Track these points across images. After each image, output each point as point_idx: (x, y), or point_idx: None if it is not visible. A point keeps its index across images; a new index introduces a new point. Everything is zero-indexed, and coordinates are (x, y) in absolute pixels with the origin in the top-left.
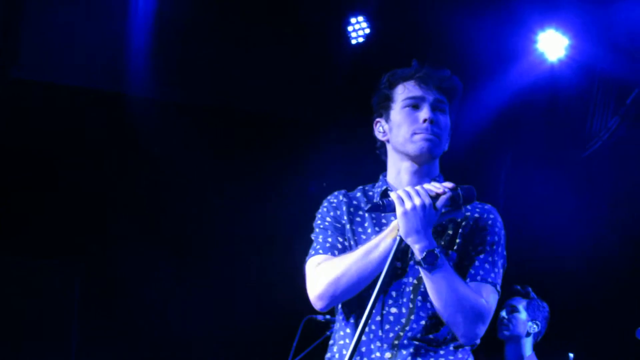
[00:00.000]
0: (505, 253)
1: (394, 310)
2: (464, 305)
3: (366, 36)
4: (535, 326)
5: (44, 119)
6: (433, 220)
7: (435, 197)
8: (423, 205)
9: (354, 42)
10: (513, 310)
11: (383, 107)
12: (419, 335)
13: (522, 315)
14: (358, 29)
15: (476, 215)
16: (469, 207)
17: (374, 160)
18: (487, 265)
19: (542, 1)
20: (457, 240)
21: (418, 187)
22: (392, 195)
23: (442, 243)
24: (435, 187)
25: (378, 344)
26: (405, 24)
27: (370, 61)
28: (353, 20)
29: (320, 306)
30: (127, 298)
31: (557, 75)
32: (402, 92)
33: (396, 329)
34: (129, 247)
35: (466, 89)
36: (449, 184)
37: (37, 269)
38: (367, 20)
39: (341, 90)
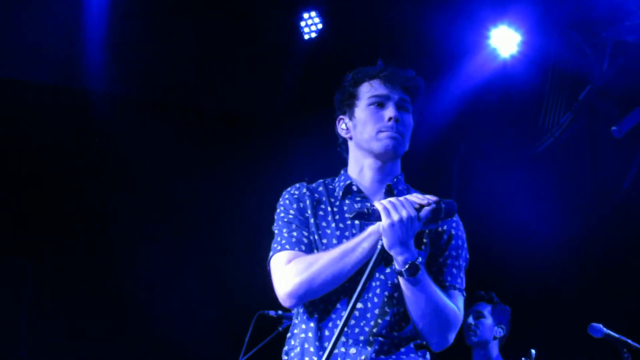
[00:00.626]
0: (468, 255)
1: (359, 305)
2: (439, 315)
3: (319, 32)
4: (501, 330)
5: (6, 116)
6: (415, 231)
7: (418, 209)
8: (410, 218)
9: (306, 37)
10: (479, 316)
11: (347, 105)
12: (383, 332)
13: (488, 320)
14: (311, 24)
15: (453, 228)
16: (453, 222)
17: (332, 155)
18: (454, 271)
19: None
20: (424, 243)
21: (402, 199)
22: (378, 205)
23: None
24: (419, 198)
25: (343, 339)
26: (358, 19)
27: (324, 57)
28: (306, 15)
29: (290, 304)
30: (80, 297)
31: (509, 71)
32: (368, 91)
33: (361, 324)
34: (82, 244)
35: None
36: (432, 197)
37: None
38: (319, 15)
39: (296, 86)
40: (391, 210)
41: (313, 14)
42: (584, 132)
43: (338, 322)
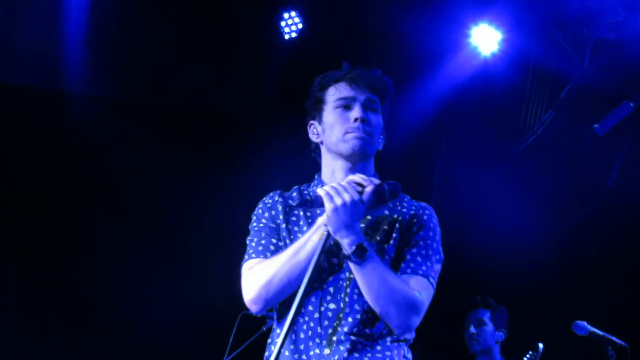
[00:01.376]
0: (440, 249)
1: (332, 306)
2: (395, 297)
3: (299, 31)
4: (501, 333)
5: None
6: (360, 214)
7: (361, 192)
8: (353, 201)
9: (287, 37)
10: (480, 323)
11: (316, 110)
12: (355, 330)
13: (489, 327)
14: (291, 24)
15: (412, 212)
16: (405, 204)
17: (312, 158)
18: (419, 259)
19: None
20: (393, 236)
21: (344, 182)
22: (320, 192)
23: (378, 239)
24: (361, 178)
25: (317, 340)
26: (339, 18)
27: (304, 56)
28: (286, 15)
29: (256, 310)
30: (64, 297)
31: (490, 69)
32: (334, 94)
33: (334, 324)
34: (66, 245)
35: (400, 84)
36: (374, 179)
37: None
38: (299, 15)
39: (276, 86)
40: (333, 195)
41: (293, 13)
42: (565, 130)
43: (312, 324)
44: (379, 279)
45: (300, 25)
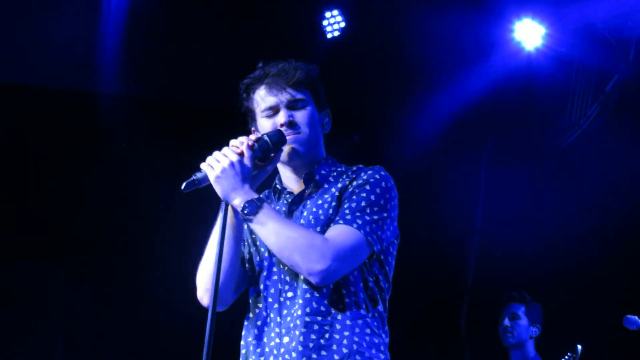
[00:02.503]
0: (389, 212)
1: (290, 294)
2: (296, 243)
3: (342, 30)
4: (536, 329)
5: (21, 121)
6: (248, 174)
7: (241, 153)
8: (232, 164)
9: (329, 36)
10: (514, 317)
11: (251, 119)
12: (308, 310)
13: (523, 321)
14: (333, 22)
15: (361, 175)
16: (354, 174)
17: (348, 155)
18: (347, 211)
19: None
20: (331, 202)
21: (225, 148)
22: (203, 166)
23: (319, 210)
24: (240, 142)
25: (277, 329)
26: (381, 16)
27: (347, 55)
28: (328, 14)
29: (207, 303)
30: (112, 298)
31: (534, 64)
32: (259, 103)
33: (291, 311)
34: (107, 247)
35: (445, 80)
36: (252, 136)
37: (22, 271)
38: (342, 14)
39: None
40: (213, 163)
41: (335, 12)
42: (611, 123)
43: (272, 315)
44: (277, 229)
45: (342, 24)
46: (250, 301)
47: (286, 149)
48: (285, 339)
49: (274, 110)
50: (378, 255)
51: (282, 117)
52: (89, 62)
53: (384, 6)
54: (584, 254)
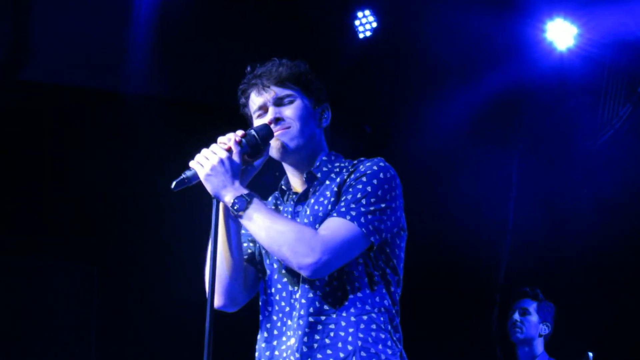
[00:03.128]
0: (388, 202)
1: (297, 296)
2: (286, 237)
3: (373, 30)
4: (546, 327)
5: (56, 121)
6: (238, 171)
7: (229, 149)
8: (221, 161)
9: (361, 36)
10: (525, 312)
11: (250, 123)
12: (310, 310)
13: (534, 317)
14: (365, 22)
15: (359, 167)
16: (353, 167)
17: (385, 154)
18: (342, 204)
19: None
20: (330, 197)
21: (213, 145)
22: (192, 164)
23: (318, 206)
24: (227, 138)
25: (287, 332)
26: (413, 16)
27: (378, 55)
28: (360, 14)
29: (218, 304)
30: (145, 299)
31: (566, 64)
32: (251, 107)
33: (294, 312)
34: (141, 246)
35: (476, 80)
36: (239, 132)
37: (55, 271)
38: (373, 13)
39: (349, 85)
40: (203, 161)
41: (367, 12)
42: None
43: (284, 318)
44: (266, 224)
45: (374, 24)
46: (260, 303)
47: (275, 144)
48: (291, 341)
49: (264, 110)
50: (381, 247)
51: (269, 114)
52: (119, 62)
53: (415, 6)
54: (617, 255)
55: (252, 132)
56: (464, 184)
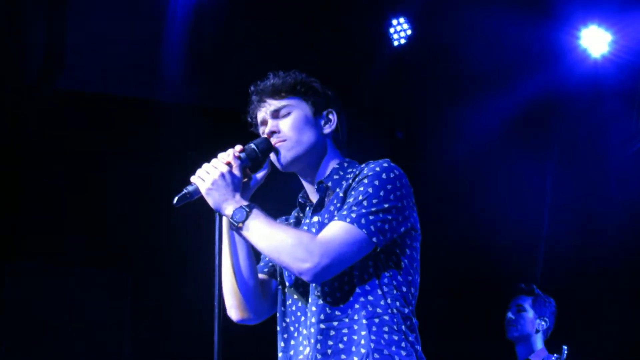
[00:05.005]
0: (393, 202)
1: (313, 308)
2: (284, 244)
3: (408, 37)
4: (543, 323)
5: (92, 128)
6: (239, 184)
7: (229, 163)
8: (222, 175)
9: (395, 43)
10: (520, 309)
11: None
12: (322, 317)
13: (530, 313)
14: (400, 30)
15: (363, 170)
16: (358, 171)
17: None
18: (345, 207)
19: None
20: (337, 204)
21: (214, 160)
22: (194, 179)
23: (332, 209)
24: (227, 154)
25: (304, 342)
26: (447, 24)
27: (413, 62)
28: (394, 22)
29: (235, 317)
30: (173, 306)
31: (600, 71)
32: (256, 123)
33: (308, 321)
34: (172, 256)
35: (510, 88)
36: (238, 147)
37: (89, 279)
38: (408, 21)
39: (384, 92)
40: (204, 176)
41: (402, 19)
42: None
43: (299, 327)
44: (265, 233)
45: (409, 32)
46: (278, 315)
47: (274, 157)
48: (307, 350)
49: (264, 124)
50: (391, 248)
51: (267, 127)
52: (154, 70)
53: (450, 14)
54: None
55: (252, 145)
56: (497, 190)
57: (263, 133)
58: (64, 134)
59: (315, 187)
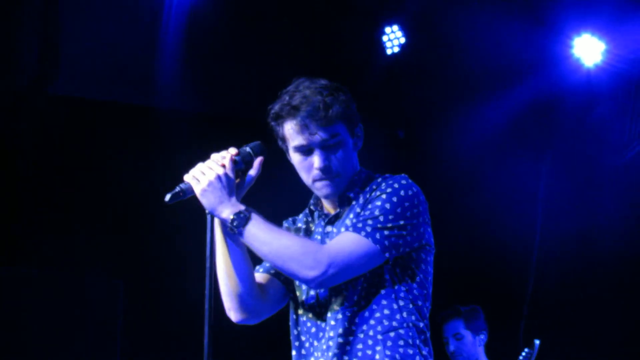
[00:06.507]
0: (409, 219)
1: (326, 317)
2: (291, 251)
3: (401, 46)
4: (482, 337)
5: (85, 135)
6: (233, 187)
7: (224, 165)
8: (218, 177)
9: (389, 52)
10: (457, 337)
11: (282, 142)
12: (340, 332)
13: (468, 337)
14: (393, 38)
15: (381, 185)
16: (379, 179)
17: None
18: (359, 219)
19: (578, 6)
20: (352, 217)
21: (208, 161)
22: (187, 178)
23: (348, 222)
24: (221, 156)
25: (315, 353)
26: (441, 32)
27: (407, 71)
28: (388, 30)
29: (234, 318)
30: (166, 310)
31: (594, 80)
32: (289, 136)
33: (326, 334)
34: (165, 261)
35: (503, 96)
36: (233, 149)
37: (81, 284)
38: (402, 29)
39: (379, 101)
40: (199, 176)
41: (395, 28)
42: None
43: (315, 343)
44: (268, 239)
45: (402, 40)
46: (290, 323)
47: (320, 192)
48: None
49: (307, 149)
50: (406, 263)
51: (317, 161)
52: (149, 77)
53: (443, 22)
54: None
55: (247, 149)
56: (491, 196)
57: (301, 154)
58: (57, 139)
59: (338, 201)
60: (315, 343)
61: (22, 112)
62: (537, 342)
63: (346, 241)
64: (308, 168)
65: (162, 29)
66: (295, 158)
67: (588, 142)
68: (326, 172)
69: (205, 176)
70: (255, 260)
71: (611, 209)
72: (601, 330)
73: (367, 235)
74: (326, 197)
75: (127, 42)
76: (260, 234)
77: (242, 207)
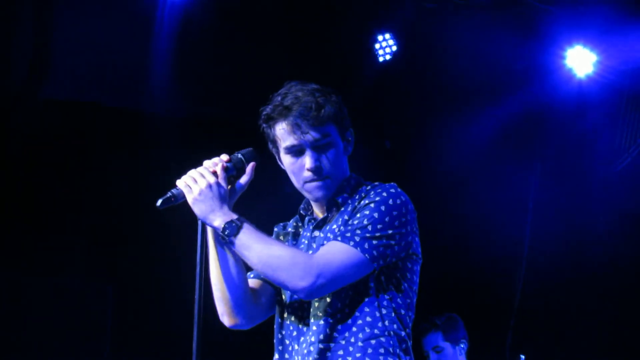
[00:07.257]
0: (397, 228)
1: (307, 322)
2: (280, 261)
3: (393, 53)
4: (462, 346)
5: (76, 139)
6: (225, 195)
7: (215, 173)
8: (209, 186)
9: (381, 59)
10: (437, 350)
11: (272, 145)
12: (321, 337)
13: (448, 349)
14: (385, 46)
15: (370, 194)
16: (368, 187)
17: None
18: (347, 228)
19: (570, 18)
20: (340, 224)
21: (201, 168)
22: (179, 184)
23: (335, 228)
24: (213, 163)
25: (293, 353)
26: (433, 40)
27: (398, 79)
28: (380, 37)
29: (227, 323)
30: (155, 315)
31: (585, 91)
32: (281, 137)
33: (307, 339)
34: (154, 265)
35: (495, 105)
36: (225, 156)
37: (70, 289)
38: (394, 37)
39: (369, 108)
40: (191, 184)
41: (387, 36)
42: None
43: (292, 342)
44: (259, 249)
45: (394, 48)
46: (275, 326)
47: (310, 195)
48: None
49: (298, 149)
50: (392, 272)
51: (308, 161)
52: (141, 81)
53: (435, 31)
54: (635, 280)
55: (239, 155)
56: (481, 204)
57: (292, 155)
58: (48, 143)
59: (326, 204)
60: (297, 347)
61: (13, 115)
62: (522, 357)
63: (335, 251)
64: (299, 170)
65: (154, 34)
66: (286, 160)
67: (578, 152)
68: (317, 172)
69: (197, 184)
70: (249, 265)
71: (600, 219)
72: (589, 341)
73: (355, 245)
74: (316, 199)
75: (118, 46)
76: (250, 243)
77: (234, 216)
